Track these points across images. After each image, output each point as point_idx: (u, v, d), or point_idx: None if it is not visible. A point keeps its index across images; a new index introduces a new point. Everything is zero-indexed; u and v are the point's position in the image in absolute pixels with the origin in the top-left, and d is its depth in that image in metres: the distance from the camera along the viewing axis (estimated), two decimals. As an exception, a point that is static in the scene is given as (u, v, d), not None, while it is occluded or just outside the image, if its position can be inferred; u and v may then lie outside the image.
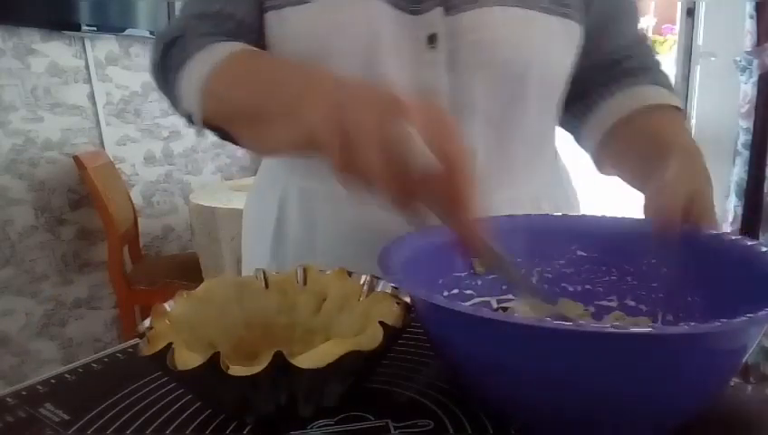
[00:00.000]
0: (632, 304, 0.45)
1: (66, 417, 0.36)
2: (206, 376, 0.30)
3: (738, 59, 1.95)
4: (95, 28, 2.03)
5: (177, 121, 2.46)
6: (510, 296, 0.46)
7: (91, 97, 2.11)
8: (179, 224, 2.50)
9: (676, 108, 0.60)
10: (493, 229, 0.36)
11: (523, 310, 0.44)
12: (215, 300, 0.43)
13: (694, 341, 0.27)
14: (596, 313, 0.46)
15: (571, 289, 0.47)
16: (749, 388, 0.36)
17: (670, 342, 0.27)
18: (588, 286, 0.46)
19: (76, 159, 1.89)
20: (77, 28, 1.98)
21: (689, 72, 1.92)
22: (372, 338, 0.32)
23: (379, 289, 0.42)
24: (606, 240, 0.46)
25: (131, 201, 2.21)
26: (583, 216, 0.50)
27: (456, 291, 0.45)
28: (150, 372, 0.41)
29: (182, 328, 0.38)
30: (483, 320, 0.28)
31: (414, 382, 0.39)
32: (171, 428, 0.35)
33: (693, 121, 2.02)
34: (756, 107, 1.93)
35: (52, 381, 0.41)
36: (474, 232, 0.35)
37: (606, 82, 0.61)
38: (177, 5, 2.30)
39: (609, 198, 3.70)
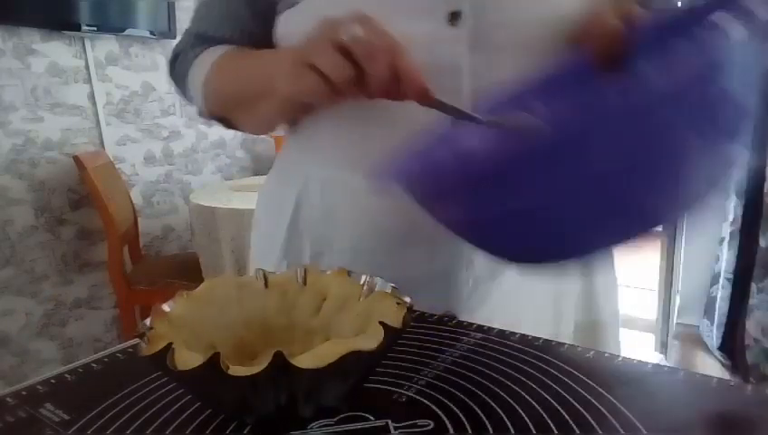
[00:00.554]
0: None
1: (66, 417, 0.36)
2: (206, 376, 0.30)
3: (738, 59, 1.95)
4: (95, 28, 2.03)
5: (177, 121, 2.46)
6: None
7: (91, 97, 2.11)
8: (179, 224, 2.50)
9: None
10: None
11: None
12: (215, 300, 0.43)
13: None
14: None
15: None
16: (749, 388, 0.36)
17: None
18: None
19: (76, 159, 1.89)
20: (77, 28, 1.98)
21: (689, 72, 1.92)
22: (372, 338, 0.32)
23: (378, 289, 0.42)
24: (551, 84, 0.47)
25: (131, 201, 2.21)
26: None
27: None
28: (150, 372, 0.41)
29: (182, 328, 0.38)
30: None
31: (414, 382, 0.39)
32: (171, 428, 0.35)
33: (693, 121, 2.02)
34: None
35: (52, 381, 0.41)
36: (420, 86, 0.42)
37: None
38: (178, 5, 2.30)
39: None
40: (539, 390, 0.37)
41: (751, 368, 2.01)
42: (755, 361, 2.00)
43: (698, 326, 2.32)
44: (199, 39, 0.63)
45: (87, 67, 2.08)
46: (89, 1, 1.99)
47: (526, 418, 0.34)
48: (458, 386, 0.38)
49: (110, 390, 0.39)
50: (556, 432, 0.32)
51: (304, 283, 0.45)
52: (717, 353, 2.15)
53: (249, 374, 0.30)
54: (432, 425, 0.34)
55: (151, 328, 0.36)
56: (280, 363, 0.29)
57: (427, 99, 0.42)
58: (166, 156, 2.43)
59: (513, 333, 0.46)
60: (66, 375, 0.42)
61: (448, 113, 0.43)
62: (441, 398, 0.37)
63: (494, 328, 0.47)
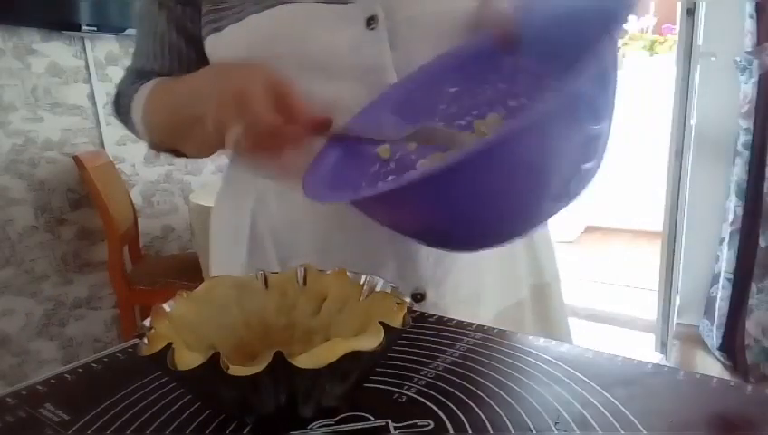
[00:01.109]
0: (514, 103, 0.49)
1: (66, 417, 0.36)
2: (206, 376, 0.30)
3: (738, 59, 1.95)
4: (95, 28, 2.03)
5: (177, 121, 2.46)
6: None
7: (91, 97, 2.11)
8: (179, 224, 2.50)
9: None
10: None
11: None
12: (215, 300, 0.43)
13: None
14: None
15: (464, 123, 0.50)
16: (749, 388, 0.36)
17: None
18: (474, 112, 0.50)
19: (76, 159, 1.89)
20: (77, 28, 1.98)
21: (689, 72, 1.92)
22: (372, 338, 0.32)
23: (378, 289, 0.42)
24: (467, 69, 0.50)
25: (131, 201, 2.21)
26: (437, 59, 0.52)
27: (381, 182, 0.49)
28: (150, 372, 0.41)
29: (182, 328, 0.38)
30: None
31: (414, 382, 0.39)
32: (171, 428, 0.35)
33: (693, 121, 2.02)
34: (756, 107, 1.93)
35: (52, 381, 0.41)
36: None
37: None
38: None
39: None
40: (539, 390, 0.37)
41: (751, 368, 2.01)
42: (755, 361, 2.00)
43: (698, 326, 2.32)
44: (139, 75, 0.64)
45: (87, 67, 2.08)
46: (89, 1, 1.99)
47: (526, 418, 0.34)
48: (458, 386, 0.38)
49: (110, 390, 0.39)
50: (556, 432, 0.32)
51: (304, 283, 0.45)
52: (717, 353, 2.15)
53: (249, 374, 0.30)
54: (432, 425, 0.34)
55: (151, 328, 0.36)
56: (280, 363, 0.29)
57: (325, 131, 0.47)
58: (166, 156, 2.43)
59: (514, 334, 0.46)
60: (66, 375, 0.42)
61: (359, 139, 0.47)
62: (441, 398, 0.37)
63: (494, 328, 0.47)
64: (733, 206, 2.04)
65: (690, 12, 1.87)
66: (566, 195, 0.38)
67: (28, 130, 1.94)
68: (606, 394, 0.36)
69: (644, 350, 2.20)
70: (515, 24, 0.48)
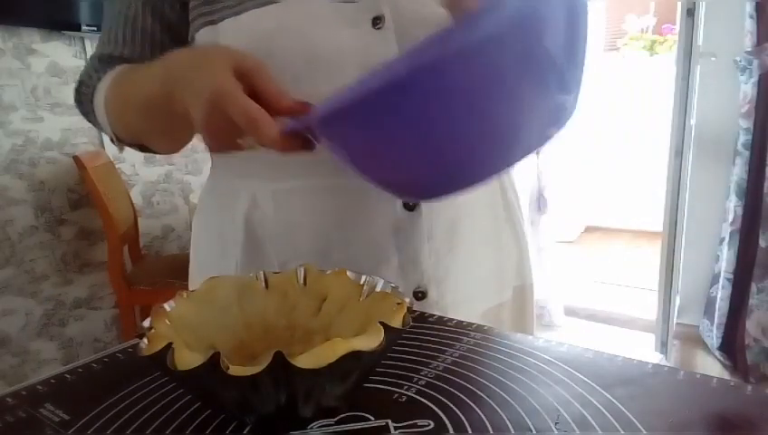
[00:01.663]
0: None
1: (66, 417, 0.36)
2: (206, 376, 0.30)
3: (738, 59, 1.95)
4: (95, 28, 2.03)
5: (177, 121, 2.46)
6: None
7: (91, 97, 2.11)
8: (179, 224, 2.50)
9: None
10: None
11: None
12: (215, 301, 0.43)
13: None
14: None
15: None
16: (749, 388, 0.36)
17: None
18: None
19: (76, 159, 1.89)
20: (77, 28, 1.98)
21: (689, 72, 1.92)
22: (372, 338, 0.32)
23: (378, 289, 0.42)
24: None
25: (131, 201, 2.21)
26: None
27: None
28: (150, 372, 0.41)
29: (182, 328, 0.38)
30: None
31: (414, 382, 0.39)
32: (171, 428, 0.35)
33: (693, 121, 2.02)
34: (756, 107, 1.93)
35: (52, 381, 0.41)
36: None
37: None
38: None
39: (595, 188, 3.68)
40: (539, 390, 0.37)
41: (751, 368, 2.01)
42: (755, 361, 2.00)
43: (698, 326, 2.32)
44: (104, 62, 0.61)
45: (87, 67, 2.08)
46: (89, 1, 1.99)
47: (526, 418, 0.34)
48: (458, 386, 0.38)
49: (110, 390, 0.39)
50: (556, 432, 0.32)
51: (304, 283, 0.45)
52: (717, 353, 2.15)
53: (249, 374, 0.30)
54: (432, 425, 0.34)
55: (151, 328, 0.36)
56: (280, 363, 0.29)
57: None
58: (165, 156, 2.43)
59: (514, 334, 0.46)
60: (66, 375, 0.42)
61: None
62: (441, 398, 0.37)
63: (494, 328, 0.47)
64: (733, 206, 2.04)
65: (690, 12, 1.87)
66: (526, 149, 0.39)
67: (28, 130, 1.94)
68: (606, 394, 0.36)
69: (644, 350, 2.20)
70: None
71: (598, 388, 0.37)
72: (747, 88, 1.95)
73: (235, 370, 0.30)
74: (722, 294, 2.11)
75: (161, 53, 0.59)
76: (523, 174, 2.41)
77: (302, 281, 0.45)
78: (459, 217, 0.61)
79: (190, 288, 0.65)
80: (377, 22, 0.53)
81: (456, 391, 0.37)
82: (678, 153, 1.99)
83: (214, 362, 0.29)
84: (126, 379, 0.41)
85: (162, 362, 0.31)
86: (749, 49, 1.91)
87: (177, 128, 0.47)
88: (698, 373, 0.38)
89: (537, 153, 2.48)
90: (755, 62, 1.90)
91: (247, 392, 0.31)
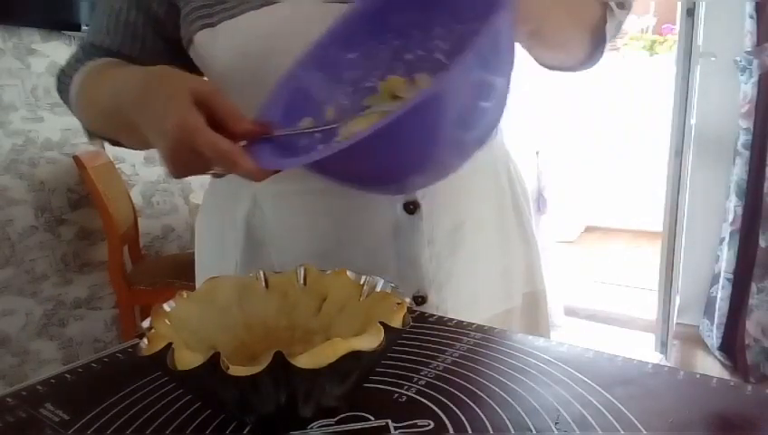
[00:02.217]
0: (410, 56, 0.52)
1: (66, 417, 0.36)
2: (206, 376, 0.30)
3: (738, 59, 1.95)
4: (95, 28, 2.03)
5: (177, 121, 2.46)
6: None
7: (91, 97, 2.11)
8: (179, 224, 2.50)
9: None
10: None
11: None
12: (215, 301, 0.43)
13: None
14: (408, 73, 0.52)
15: (370, 84, 0.52)
16: (749, 388, 0.36)
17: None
18: (377, 72, 0.52)
19: (76, 159, 1.89)
20: (77, 28, 1.98)
21: (689, 72, 1.91)
22: (372, 338, 0.32)
23: (378, 289, 0.42)
24: (358, 34, 0.51)
25: (131, 201, 2.21)
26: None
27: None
28: (150, 372, 0.41)
29: (182, 328, 0.38)
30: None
31: (414, 382, 0.39)
32: (171, 428, 0.35)
33: (693, 121, 2.02)
34: (756, 107, 1.93)
35: (52, 381, 0.41)
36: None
37: None
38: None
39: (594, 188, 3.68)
40: (539, 390, 0.37)
41: (751, 368, 2.01)
42: (755, 361, 2.00)
43: (698, 326, 2.32)
44: (89, 50, 0.61)
45: (87, 67, 2.08)
46: (89, 1, 1.99)
47: (526, 418, 0.34)
48: (458, 386, 0.38)
49: (110, 390, 0.39)
50: (556, 432, 0.32)
51: (305, 283, 0.45)
52: (717, 353, 2.15)
53: (249, 374, 0.30)
54: (432, 425, 0.34)
55: (151, 328, 0.36)
56: (280, 363, 0.29)
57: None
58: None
59: (514, 334, 0.46)
60: (66, 375, 0.42)
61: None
62: (441, 398, 0.37)
63: (494, 328, 0.47)
64: (733, 206, 2.04)
65: (690, 12, 1.87)
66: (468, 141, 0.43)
67: (28, 130, 1.94)
68: (606, 394, 0.36)
69: (644, 350, 2.20)
70: None
71: (598, 388, 0.37)
72: (747, 88, 1.95)
73: (235, 370, 0.30)
74: (722, 294, 2.11)
75: (143, 47, 0.60)
76: (523, 174, 2.40)
77: (302, 281, 0.45)
78: (463, 220, 0.61)
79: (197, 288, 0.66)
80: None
81: (456, 391, 0.37)
82: (678, 153, 1.99)
83: (214, 362, 0.29)
84: (126, 379, 0.41)
85: (162, 362, 0.31)
86: (749, 49, 1.91)
87: (140, 140, 0.48)
88: (698, 373, 0.38)
89: (537, 153, 2.48)
90: (755, 62, 1.90)
91: (247, 392, 0.31)
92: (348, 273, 0.44)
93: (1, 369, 1.93)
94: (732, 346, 2.08)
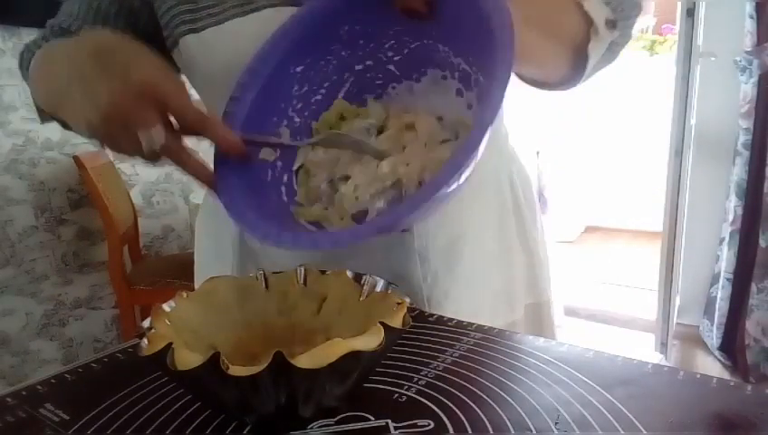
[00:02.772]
0: (360, 66, 0.50)
1: (66, 417, 0.36)
2: (206, 376, 0.30)
3: (738, 59, 1.95)
4: (95, 28, 2.02)
5: (177, 121, 2.46)
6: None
7: (91, 97, 2.10)
8: (179, 224, 2.50)
9: None
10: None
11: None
12: (215, 301, 0.43)
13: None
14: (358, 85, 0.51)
15: (319, 97, 0.51)
16: (749, 388, 0.36)
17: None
18: (326, 84, 0.51)
19: (76, 159, 1.89)
20: (77, 28, 1.98)
21: (689, 72, 1.91)
22: (372, 338, 0.32)
23: (379, 289, 0.42)
24: (302, 45, 0.50)
25: (131, 201, 2.21)
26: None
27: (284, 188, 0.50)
28: (150, 372, 0.41)
29: (182, 328, 0.38)
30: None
31: (414, 382, 0.39)
32: (171, 428, 0.35)
33: (693, 121, 2.02)
34: (756, 107, 1.93)
35: (53, 381, 0.41)
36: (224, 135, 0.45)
37: None
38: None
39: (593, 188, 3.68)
40: (539, 390, 0.37)
41: (751, 368, 2.01)
42: (755, 361, 2.00)
43: (698, 326, 2.32)
44: (54, 32, 0.60)
45: (87, 67, 2.08)
46: (89, 1, 1.99)
47: (526, 418, 0.34)
48: (458, 386, 0.38)
49: (110, 390, 0.39)
50: (556, 432, 0.32)
51: (305, 283, 0.45)
52: (717, 353, 2.15)
53: (249, 374, 0.30)
54: (432, 425, 0.34)
55: (151, 328, 0.36)
56: (280, 363, 0.29)
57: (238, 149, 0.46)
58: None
59: (514, 333, 0.46)
60: (66, 375, 0.42)
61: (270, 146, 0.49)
62: (441, 398, 0.37)
63: (494, 328, 0.47)
64: (733, 206, 2.04)
65: (690, 12, 1.87)
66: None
67: (28, 130, 1.94)
68: (606, 394, 0.36)
69: (644, 350, 2.20)
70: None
71: (598, 388, 0.37)
72: (747, 88, 1.95)
73: (235, 370, 0.30)
74: (722, 294, 2.11)
75: None
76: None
77: (302, 281, 0.45)
78: (460, 234, 0.59)
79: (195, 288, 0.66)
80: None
81: (456, 391, 0.37)
82: (678, 153, 1.99)
83: (214, 362, 0.29)
84: (126, 379, 0.41)
85: (162, 362, 0.31)
86: (749, 49, 1.91)
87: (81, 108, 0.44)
88: (698, 373, 0.38)
89: (537, 153, 2.48)
90: (755, 62, 1.90)
91: (247, 392, 0.31)
92: (348, 273, 0.44)
93: (1, 369, 1.93)
94: (732, 346, 2.08)
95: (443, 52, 0.46)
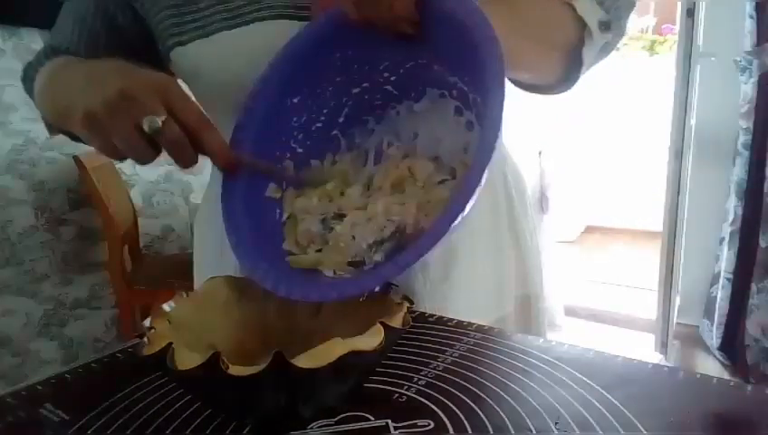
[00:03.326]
0: (356, 90, 0.50)
1: (66, 417, 0.36)
2: (205, 376, 0.30)
3: (738, 59, 1.95)
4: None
5: (177, 121, 2.46)
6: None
7: (91, 97, 2.10)
8: (179, 224, 2.50)
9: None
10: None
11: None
12: (215, 302, 0.43)
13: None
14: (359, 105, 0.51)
15: (320, 124, 0.51)
16: (749, 388, 0.36)
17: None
18: (325, 111, 0.51)
19: (76, 159, 1.89)
20: (77, 28, 1.98)
21: (689, 72, 1.92)
22: (372, 338, 0.32)
23: (378, 289, 0.41)
24: (298, 75, 0.49)
25: (131, 201, 2.21)
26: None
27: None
28: (150, 372, 0.41)
29: (182, 329, 0.38)
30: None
31: (414, 382, 0.39)
32: (171, 428, 0.35)
33: (693, 121, 2.02)
34: (756, 107, 1.93)
35: (52, 381, 0.41)
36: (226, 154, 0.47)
37: None
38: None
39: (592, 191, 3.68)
40: (539, 390, 0.37)
41: (751, 368, 2.01)
42: (755, 361, 2.00)
43: (698, 326, 2.32)
44: (53, 51, 0.61)
45: (87, 67, 2.08)
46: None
47: (526, 418, 0.34)
48: (458, 386, 0.38)
49: (110, 390, 0.39)
50: (556, 432, 0.32)
51: (304, 283, 0.45)
52: (717, 353, 2.15)
53: (249, 374, 0.30)
54: (432, 425, 0.34)
55: (151, 328, 0.36)
56: (280, 363, 0.29)
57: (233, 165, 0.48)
58: (166, 156, 2.42)
59: (514, 334, 0.46)
60: (66, 375, 0.42)
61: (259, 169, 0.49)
62: (441, 398, 0.37)
63: (494, 328, 0.47)
64: (733, 206, 2.04)
65: (690, 12, 1.87)
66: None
67: (28, 130, 1.94)
68: (606, 394, 0.36)
69: (644, 350, 2.20)
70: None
71: (598, 388, 0.37)
72: (747, 88, 1.95)
73: (235, 370, 0.30)
74: (722, 294, 2.11)
75: (102, 54, 0.58)
76: (525, 174, 2.40)
77: (302, 281, 0.45)
78: (457, 238, 0.59)
79: (195, 288, 0.66)
80: None
81: (456, 391, 0.37)
82: (678, 153, 1.99)
83: (214, 362, 0.29)
84: (126, 379, 0.41)
85: (162, 362, 0.31)
86: (749, 49, 1.91)
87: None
88: (698, 373, 0.38)
89: (539, 153, 2.48)
90: (755, 63, 1.90)
91: (247, 392, 0.31)
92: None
93: (1, 369, 1.93)
94: (732, 346, 2.08)
95: (438, 70, 0.46)
